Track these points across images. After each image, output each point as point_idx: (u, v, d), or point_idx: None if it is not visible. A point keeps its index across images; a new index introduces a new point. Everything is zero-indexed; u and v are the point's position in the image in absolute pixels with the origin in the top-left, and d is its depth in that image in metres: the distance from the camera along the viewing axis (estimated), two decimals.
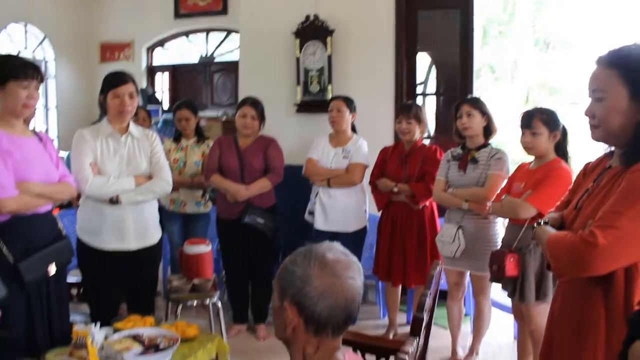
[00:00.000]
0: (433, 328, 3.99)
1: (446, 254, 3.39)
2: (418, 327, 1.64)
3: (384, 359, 2.08)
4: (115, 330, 2.40)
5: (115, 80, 2.94)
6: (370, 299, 4.78)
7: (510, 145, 5.32)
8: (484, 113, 3.38)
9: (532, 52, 9.83)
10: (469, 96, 3.62)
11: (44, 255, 2.45)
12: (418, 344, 1.62)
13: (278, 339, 1.42)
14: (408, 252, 3.78)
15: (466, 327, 3.82)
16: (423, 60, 4.97)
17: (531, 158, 3.05)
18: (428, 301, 1.76)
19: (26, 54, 7.83)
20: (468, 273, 3.50)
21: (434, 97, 5.03)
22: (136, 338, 2.31)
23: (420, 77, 4.91)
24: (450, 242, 3.33)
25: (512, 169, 3.30)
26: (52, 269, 2.49)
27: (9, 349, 2.24)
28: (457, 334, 3.65)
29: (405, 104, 3.95)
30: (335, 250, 1.36)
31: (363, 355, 1.99)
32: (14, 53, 7.61)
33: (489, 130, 3.42)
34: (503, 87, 9.89)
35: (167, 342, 2.28)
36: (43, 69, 7.85)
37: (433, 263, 1.93)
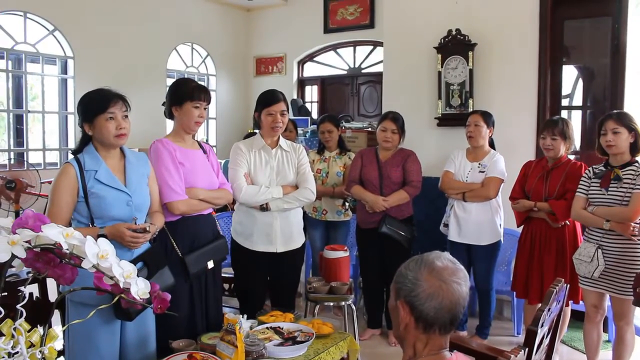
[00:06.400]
0: (569, 351, 3.94)
1: (583, 273, 3.28)
2: (530, 340, 1.69)
3: None
4: (260, 323, 2.69)
5: (269, 99, 3.23)
6: (505, 315, 4.73)
7: None
8: (632, 129, 3.17)
9: None
10: (615, 111, 3.40)
11: (206, 252, 2.81)
12: (530, 356, 1.67)
13: (394, 336, 1.60)
14: (546, 270, 3.66)
15: (607, 354, 3.64)
16: (569, 72, 4.81)
17: None
18: (546, 316, 1.78)
19: (192, 70, 8.72)
20: (608, 296, 3.32)
21: (580, 111, 4.83)
22: (277, 330, 2.58)
23: (565, 90, 4.75)
24: (588, 262, 3.22)
25: None
26: (211, 264, 2.84)
27: (174, 327, 2.60)
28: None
29: (552, 119, 3.78)
30: (444, 258, 1.52)
31: None
32: (183, 69, 8.51)
33: (636, 147, 3.20)
34: None
35: (304, 336, 2.52)
36: (205, 83, 8.66)
37: (555, 280, 1.95)
